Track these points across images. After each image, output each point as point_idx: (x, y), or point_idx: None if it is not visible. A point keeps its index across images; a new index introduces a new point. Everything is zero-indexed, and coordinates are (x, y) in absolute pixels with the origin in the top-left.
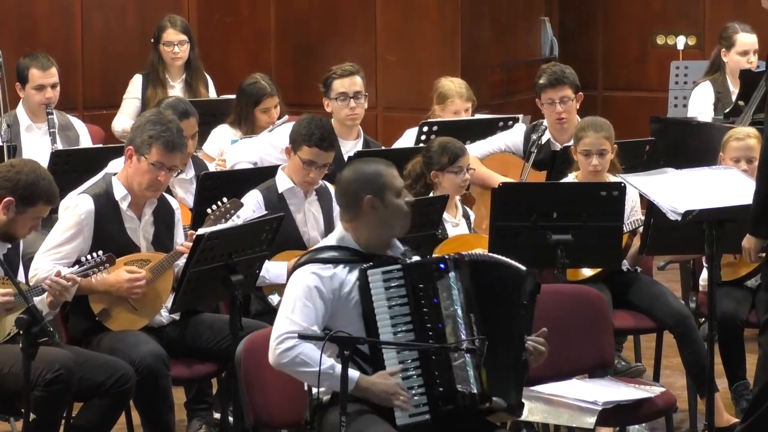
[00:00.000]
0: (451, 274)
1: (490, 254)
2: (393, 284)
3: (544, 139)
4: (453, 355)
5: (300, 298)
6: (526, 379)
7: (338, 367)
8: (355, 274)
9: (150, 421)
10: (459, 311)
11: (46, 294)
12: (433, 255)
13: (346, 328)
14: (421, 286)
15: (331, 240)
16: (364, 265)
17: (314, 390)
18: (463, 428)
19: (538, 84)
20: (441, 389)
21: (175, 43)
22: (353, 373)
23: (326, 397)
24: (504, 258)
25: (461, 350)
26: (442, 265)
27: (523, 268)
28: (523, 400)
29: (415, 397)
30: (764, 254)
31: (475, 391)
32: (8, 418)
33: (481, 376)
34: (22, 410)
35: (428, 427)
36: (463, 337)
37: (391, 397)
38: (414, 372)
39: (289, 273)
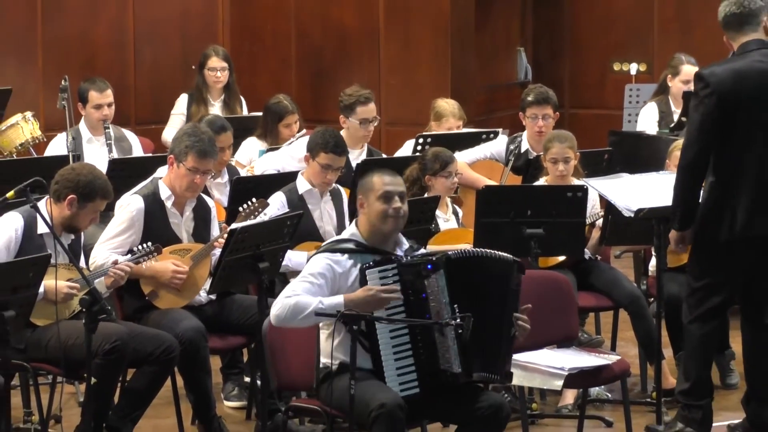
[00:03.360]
0: (439, 273)
1: (478, 249)
2: (389, 281)
3: (522, 149)
4: (438, 337)
5: (307, 276)
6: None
7: (326, 300)
8: (359, 266)
9: (191, 384)
10: (444, 303)
11: (104, 277)
12: (427, 245)
13: None
14: (411, 283)
15: (345, 234)
16: (364, 265)
17: (324, 360)
18: (449, 395)
19: (525, 100)
20: (428, 367)
21: (218, 69)
22: (338, 298)
23: (335, 367)
24: (491, 251)
25: (450, 325)
26: (429, 266)
27: (510, 257)
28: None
29: (407, 374)
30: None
31: (457, 370)
32: (73, 382)
33: (466, 353)
34: (85, 375)
35: (419, 398)
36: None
37: (374, 301)
38: (406, 352)
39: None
